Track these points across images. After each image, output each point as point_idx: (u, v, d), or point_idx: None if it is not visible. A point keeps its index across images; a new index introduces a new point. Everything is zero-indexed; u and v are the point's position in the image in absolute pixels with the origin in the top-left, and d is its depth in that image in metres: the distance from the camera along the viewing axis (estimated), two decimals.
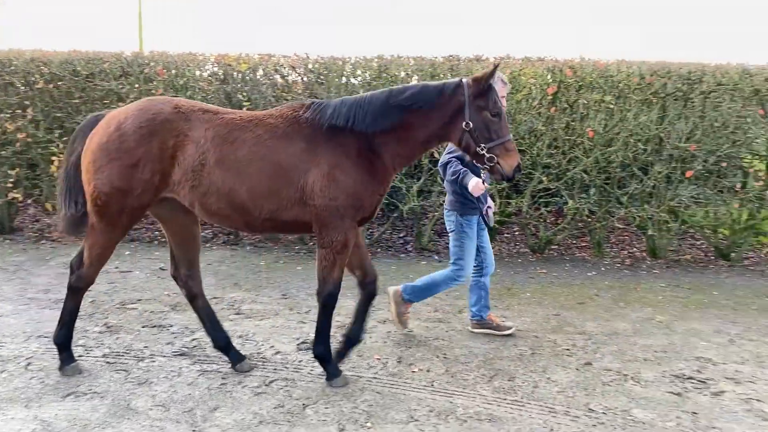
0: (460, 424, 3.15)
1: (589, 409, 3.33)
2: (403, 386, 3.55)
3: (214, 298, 4.98)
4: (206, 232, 7.00)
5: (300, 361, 3.84)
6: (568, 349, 4.13)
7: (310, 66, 6.75)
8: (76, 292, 3.54)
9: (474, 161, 3.47)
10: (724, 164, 6.22)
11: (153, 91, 6.39)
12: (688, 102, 6.20)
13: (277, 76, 6.83)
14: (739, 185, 6.35)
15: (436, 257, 6.53)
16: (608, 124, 6.13)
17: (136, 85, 6.52)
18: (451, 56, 7.28)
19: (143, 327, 4.34)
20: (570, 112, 6.27)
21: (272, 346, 4.06)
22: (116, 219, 3.35)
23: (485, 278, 4.33)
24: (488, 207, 4.15)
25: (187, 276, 3.67)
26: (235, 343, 3.93)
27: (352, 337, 3.64)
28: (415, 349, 4.07)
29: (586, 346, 4.21)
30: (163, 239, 6.03)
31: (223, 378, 3.60)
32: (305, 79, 6.70)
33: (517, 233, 7.29)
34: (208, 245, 6.65)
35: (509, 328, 4.33)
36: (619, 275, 6.02)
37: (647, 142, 6.19)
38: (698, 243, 7.25)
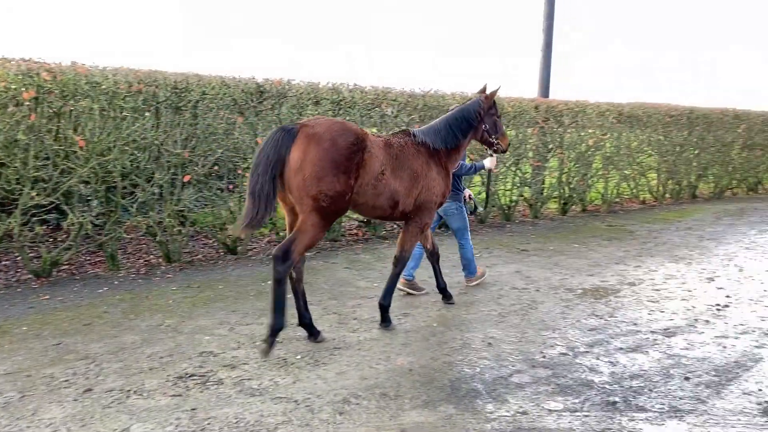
0: None
1: None
2: None
3: None
4: None
5: None
6: (66, 380, 3.77)
7: None
8: (283, 281, 4.16)
9: (485, 146, 5.38)
10: (217, 168, 6.79)
11: None
12: (180, 110, 6.49)
13: None
14: (233, 186, 7.04)
15: None
16: (102, 133, 5.88)
17: None
18: None
19: None
20: (57, 120, 5.76)
21: None
22: (332, 218, 4.21)
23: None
24: (469, 195, 6.12)
25: (300, 261, 4.43)
26: None
27: (442, 284, 5.58)
28: None
29: (88, 371, 3.92)
30: None
31: None
32: None
33: (18, 258, 6.35)
34: None
35: (422, 289, 5.93)
36: (133, 286, 5.90)
37: (145, 150, 6.22)
38: (210, 242, 7.78)
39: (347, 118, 7.79)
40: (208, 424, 3.29)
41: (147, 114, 6.29)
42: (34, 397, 3.54)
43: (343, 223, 8.49)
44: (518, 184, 10.04)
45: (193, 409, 3.45)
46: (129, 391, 3.64)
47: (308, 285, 6.02)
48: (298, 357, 4.25)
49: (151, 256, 7.06)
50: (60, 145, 5.75)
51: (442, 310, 5.35)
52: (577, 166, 10.68)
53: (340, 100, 7.67)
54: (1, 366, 3.94)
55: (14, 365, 3.96)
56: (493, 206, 9.83)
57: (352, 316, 5.16)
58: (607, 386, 3.90)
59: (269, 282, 6.14)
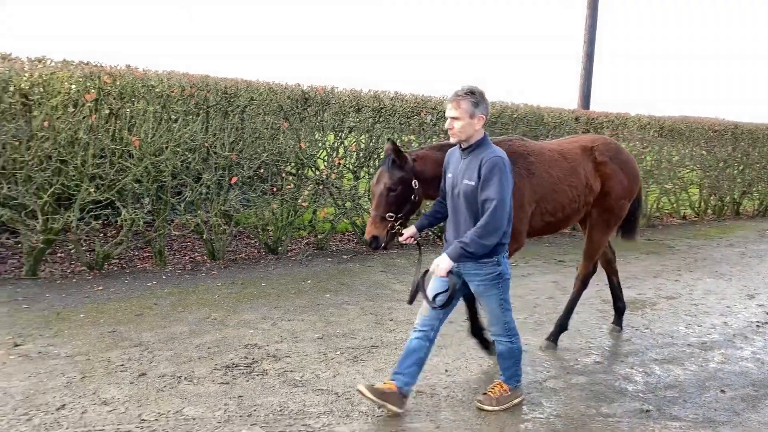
0: None
1: (142, 419, 3.31)
2: None
3: None
4: None
5: None
6: (122, 365, 4.01)
7: None
8: None
9: None
10: (262, 170, 7.04)
11: None
12: (228, 114, 6.76)
13: None
14: (276, 188, 7.28)
15: None
16: (155, 134, 6.18)
17: None
18: None
19: None
20: (115, 121, 6.07)
21: None
22: None
23: None
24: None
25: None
26: None
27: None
28: None
29: (141, 357, 4.16)
30: None
31: None
32: None
33: (72, 251, 6.69)
34: None
35: None
36: (180, 281, 6.17)
37: (195, 151, 6.50)
38: (252, 242, 8.03)
39: (387, 125, 7.97)
40: (255, 410, 3.47)
41: (197, 117, 6.57)
42: (94, 378, 3.79)
43: None
44: None
45: (240, 397, 3.63)
46: (180, 377, 3.86)
47: (345, 286, 6.22)
48: (338, 353, 4.41)
49: (196, 254, 7.33)
50: (116, 145, 6.06)
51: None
52: None
53: (381, 108, 7.85)
54: (62, 349, 4.21)
55: (74, 349, 4.22)
56: None
57: (388, 317, 5.30)
58: (640, 395, 3.94)
59: (308, 281, 6.39)
